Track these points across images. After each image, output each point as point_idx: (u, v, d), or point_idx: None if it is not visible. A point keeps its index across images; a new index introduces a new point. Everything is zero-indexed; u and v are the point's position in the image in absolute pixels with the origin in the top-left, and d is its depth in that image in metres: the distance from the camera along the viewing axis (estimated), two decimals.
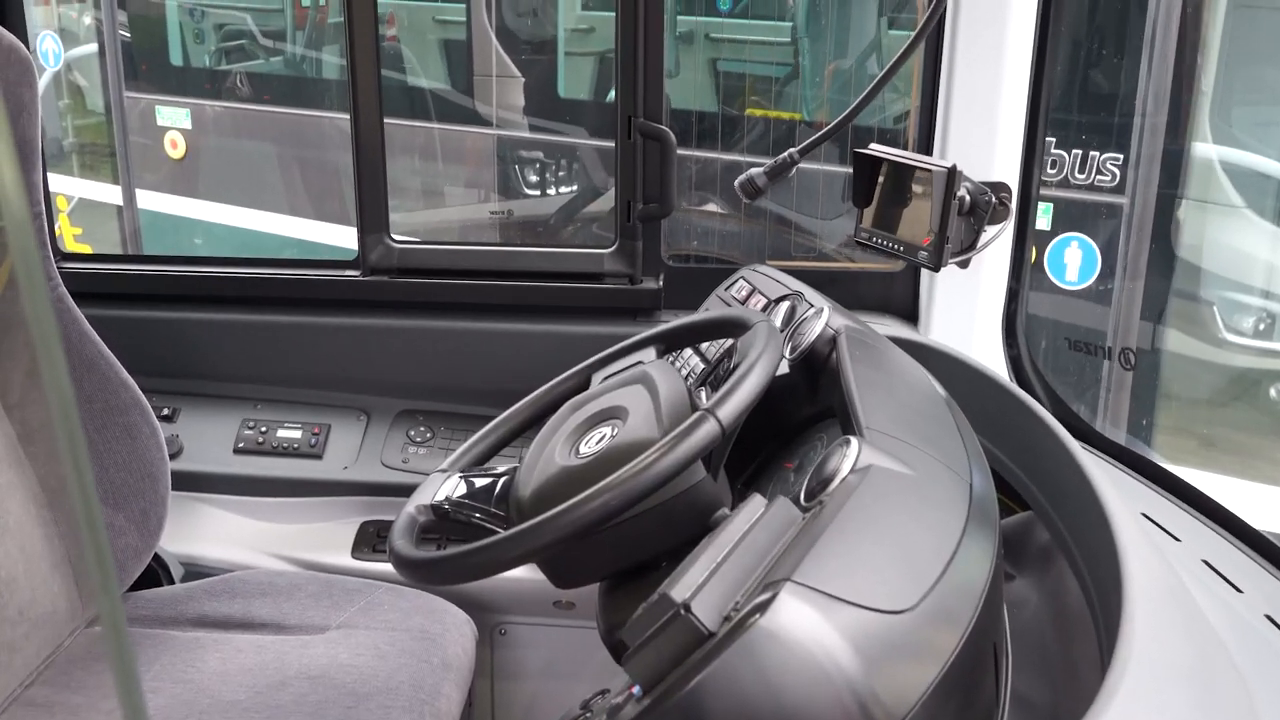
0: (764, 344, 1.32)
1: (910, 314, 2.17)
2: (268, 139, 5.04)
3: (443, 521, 1.41)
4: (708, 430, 1.16)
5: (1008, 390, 1.63)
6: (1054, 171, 3.16)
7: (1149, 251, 2.95)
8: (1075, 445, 1.44)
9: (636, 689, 1.08)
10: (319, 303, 2.29)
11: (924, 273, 2.13)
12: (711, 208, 3.24)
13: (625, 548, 1.27)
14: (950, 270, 2.03)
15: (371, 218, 2.21)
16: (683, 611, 0.97)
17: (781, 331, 1.63)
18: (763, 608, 0.95)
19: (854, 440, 1.16)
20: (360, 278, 2.25)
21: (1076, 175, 3.21)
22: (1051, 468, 1.47)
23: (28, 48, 1.76)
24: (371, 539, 2.13)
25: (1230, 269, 3.85)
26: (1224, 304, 3.74)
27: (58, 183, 5.25)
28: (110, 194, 5.10)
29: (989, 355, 2.04)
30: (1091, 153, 3.19)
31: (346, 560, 2.12)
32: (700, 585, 1.00)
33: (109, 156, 5.09)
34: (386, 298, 2.26)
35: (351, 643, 1.80)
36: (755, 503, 1.13)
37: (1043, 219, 3.19)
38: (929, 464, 1.19)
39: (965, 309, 2.07)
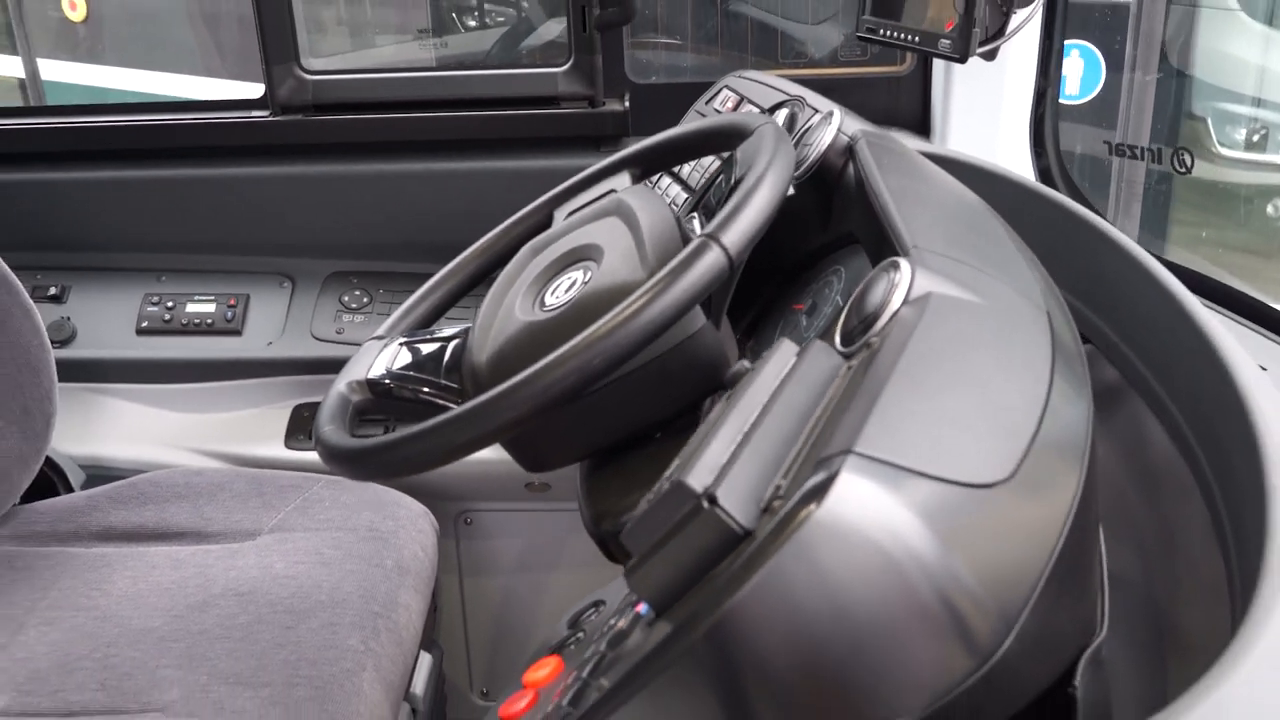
0: (772, 149, 1.08)
1: (921, 125, 1.90)
2: None
3: (383, 400, 1.16)
4: (711, 261, 0.92)
5: (1060, 206, 1.37)
6: None
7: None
8: (1157, 265, 1.18)
9: (644, 608, 0.80)
10: (225, 151, 1.98)
11: (936, 76, 1.85)
12: (668, 40, 2.90)
13: (609, 419, 1.06)
14: (966, 72, 1.76)
15: (277, 46, 1.88)
16: (705, 504, 0.69)
17: None
18: (819, 492, 0.67)
19: (903, 262, 0.88)
20: (269, 118, 1.94)
21: None
22: (1124, 292, 1.23)
23: None
24: (307, 425, 1.87)
25: (1223, 78, 3.63)
26: (1217, 116, 3.54)
27: None
28: (13, 67, 4.69)
29: (1014, 168, 1.76)
30: None
31: (279, 452, 1.86)
32: (725, 467, 0.72)
33: (9, 29, 4.66)
34: (303, 140, 1.95)
35: (287, 549, 1.53)
36: (784, 351, 0.86)
37: None
38: (998, 289, 0.93)
39: (985, 115, 1.79)
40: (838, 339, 0.89)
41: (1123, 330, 1.26)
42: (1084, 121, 2.69)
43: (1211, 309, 1.47)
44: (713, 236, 0.93)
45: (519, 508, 1.86)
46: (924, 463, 0.69)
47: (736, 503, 0.69)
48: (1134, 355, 1.23)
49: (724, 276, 0.94)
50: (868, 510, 0.67)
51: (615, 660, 0.78)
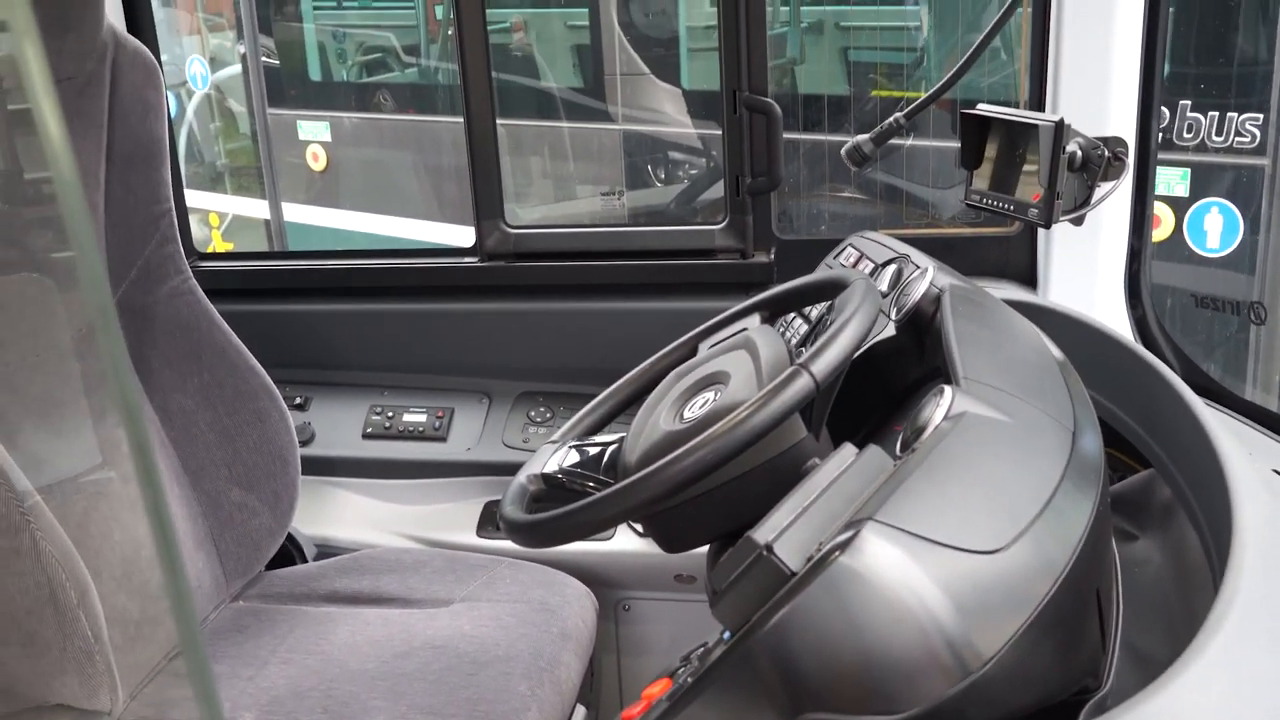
0: (860, 298, 1.31)
1: (1028, 278, 2.13)
2: (404, 147, 5.16)
3: (554, 490, 1.41)
4: (801, 385, 1.15)
5: (1127, 348, 1.59)
6: (1190, 136, 3.04)
7: None
8: (1195, 399, 1.39)
9: (727, 634, 1.09)
10: (440, 290, 2.36)
11: (1041, 235, 2.09)
12: (846, 193, 3.21)
13: (728, 509, 1.26)
14: (1068, 231, 1.99)
15: (486, 205, 2.26)
16: (765, 553, 0.98)
17: (888, 295, 1.62)
18: (844, 546, 0.95)
19: (948, 388, 1.14)
20: (478, 264, 2.31)
21: (1214, 138, 3.09)
22: (1172, 423, 1.43)
23: (156, 56, 1.86)
24: (495, 518, 2.17)
25: None
26: None
27: (212, 202, 5.46)
28: (261, 210, 5.29)
29: (1113, 318, 1.98)
30: (1229, 114, 3.07)
31: (471, 539, 2.18)
32: (784, 528, 1.01)
33: (259, 175, 5.28)
34: (504, 282, 2.32)
35: (474, 615, 1.85)
36: (846, 451, 1.13)
37: (1180, 185, 3.08)
38: (1029, 413, 1.16)
39: (1085, 271, 2.01)
40: (898, 448, 1.16)
41: (1172, 454, 1.46)
42: (1231, 267, 2.84)
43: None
44: (803, 365, 1.15)
45: (669, 597, 2.11)
46: (929, 530, 0.96)
47: (789, 552, 0.98)
48: (1179, 475, 1.44)
49: (811, 396, 1.15)
50: (879, 560, 0.95)
51: (700, 668, 1.07)
